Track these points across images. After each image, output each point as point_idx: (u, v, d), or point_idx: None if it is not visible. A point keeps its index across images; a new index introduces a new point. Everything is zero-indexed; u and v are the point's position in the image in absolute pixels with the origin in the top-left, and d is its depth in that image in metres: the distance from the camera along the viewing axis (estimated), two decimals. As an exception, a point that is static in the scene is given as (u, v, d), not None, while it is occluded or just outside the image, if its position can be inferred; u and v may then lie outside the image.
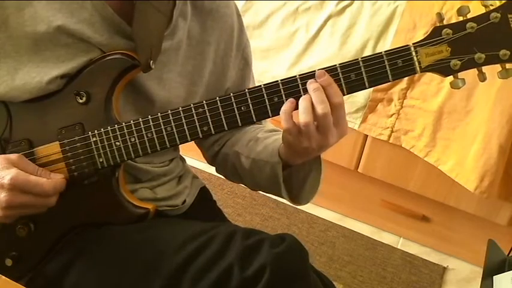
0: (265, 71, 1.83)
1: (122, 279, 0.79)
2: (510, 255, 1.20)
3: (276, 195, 0.92)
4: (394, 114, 1.72)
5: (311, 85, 0.77)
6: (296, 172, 0.89)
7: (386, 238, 1.96)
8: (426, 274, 1.82)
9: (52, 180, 0.77)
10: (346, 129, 0.80)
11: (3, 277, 0.68)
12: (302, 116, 0.76)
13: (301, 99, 0.77)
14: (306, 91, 0.78)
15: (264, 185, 0.92)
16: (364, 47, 1.71)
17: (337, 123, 0.78)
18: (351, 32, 1.72)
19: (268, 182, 0.90)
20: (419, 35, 1.62)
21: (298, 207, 2.02)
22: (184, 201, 0.97)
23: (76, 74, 0.81)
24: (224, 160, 0.99)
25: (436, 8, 1.62)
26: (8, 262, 0.83)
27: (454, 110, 1.63)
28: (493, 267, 1.11)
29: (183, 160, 1.03)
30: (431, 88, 1.64)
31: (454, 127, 1.65)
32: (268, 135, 0.94)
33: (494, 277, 1.08)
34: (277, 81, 0.79)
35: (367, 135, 1.82)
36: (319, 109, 0.76)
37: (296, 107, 0.78)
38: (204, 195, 1.05)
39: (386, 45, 1.68)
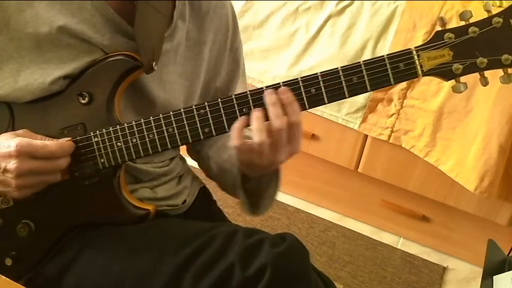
0: (265, 71, 1.84)
1: (122, 279, 0.79)
2: (510, 255, 1.20)
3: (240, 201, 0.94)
4: (394, 114, 1.72)
5: (270, 98, 0.76)
6: (256, 186, 0.89)
7: (386, 238, 1.96)
8: (426, 274, 1.82)
9: (59, 142, 0.77)
10: (298, 148, 0.79)
11: (3, 277, 0.68)
12: (257, 135, 0.75)
13: (253, 117, 0.76)
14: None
15: (229, 191, 0.95)
16: (364, 47, 1.71)
17: (291, 141, 0.77)
18: (351, 32, 1.72)
19: (232, 189, 0.92)
20: (420, 35, 1.62)
21: (298, 207, 2.02)
22: (185, 201, 0.97)
23: (78, 75, 0.81)
24: (202, 160, 1.01)
25: (436, 8, 1.62)
26: (8, 262, 0.83)
27: (454, 110, 1.63)
28: (493, 267, 1.11)
29: (183, 160, 1.03)
30: (431, 88, 1.64)
31: (454, 127, 1.65)
32: None
33: (494, 277, 1.08)
34: (279, 83, 0.79)
35: (367, 135, 1.82)
36: (276, 123, 0.75)
37: (248, 124, 0.77)
38: (204, 195, 1.06)
39: (386, 45, 1.69)
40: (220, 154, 0.96)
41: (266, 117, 0.76)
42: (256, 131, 0.76)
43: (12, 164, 0.72)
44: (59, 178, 0.78)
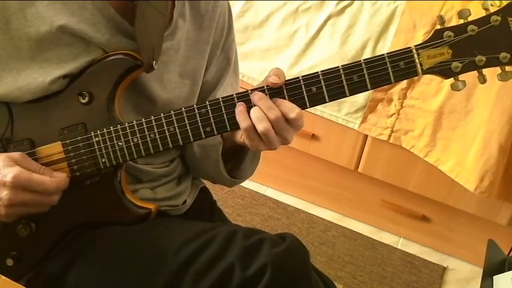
0: (265, 71, 1.83)
1: (122, 279, 0.79)
2: (510, 255, 1.20)
3: (217, 179, 0.96)
4: (394, 114, 1.72)
5: (255, 96, 0.78)
6: (238, 151, 0.91)
7: (386, 238, 1.96)
8: (426, 274, 1.82)
9: (55, 179, 0.76)
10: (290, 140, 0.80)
11: (3, 277, 0.68)
12: (260, 126, 0.76)
13: (252, 111, 0.77)
14: None
15: (211, 171, 0.95)
16: (364, 47, 1.71)
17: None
18: (351, 32, 1.72)
19: (214, 166, 0.93)
20: (419, 35, 1.62)
21: (298, 207, 2.02)
22: (185, 201, 0.97)
23: (78, 74, 0.81)
24: (184, 151, 1.00)
25: (436, 8, 1.62)
26: (9, 262, 0.83)
27: (454, 110, 1.63)
28: (493, 267, 1.11)
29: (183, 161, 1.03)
30: (431, 88, 1.64)
31: (454, 127, 1.65)
32: None
33: (494, 277, 1.08)
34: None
35: (367, 135, 1.82)
36: (271, 114, 0.76)
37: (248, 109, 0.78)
38: (204, 195, 1.06)
39: (386, 45, 1.69)
40: None
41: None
42: (257, 122, 0.77)
43: (5, 194, 0.72)
44: (47, 209, 0.78)
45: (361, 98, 1.73)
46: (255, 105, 0.78)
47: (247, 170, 0.96)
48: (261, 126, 0.76)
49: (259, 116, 0.77)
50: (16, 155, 0.76)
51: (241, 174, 0.95)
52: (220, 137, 0.89)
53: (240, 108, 0.78)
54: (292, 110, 0.77)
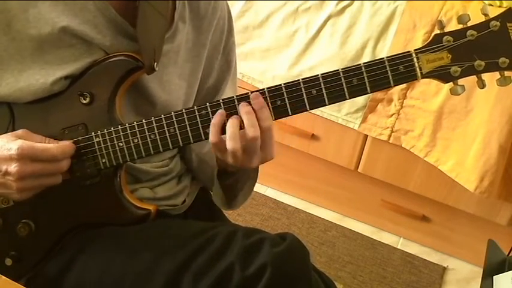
0: (265, 71, 1.84)
1: (122, 278, 0.79)
2: (510, 255, 1.20)
3: (213, 194, 0.95)
4: (394, 114, 1.72)
5: (243, 108, 0.77)
6: (233, 182, 0.90)
7: (386, 238, 1.96)
8: (426, 274, 1.82)
9: (60, 145, 0.77)
10: (272, 154, 0.80)
11: (3, 277, 0.68)
12: (230, 143, 0.76)
13: (228, 124, 0.77)
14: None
15: (207, 184, 0.96)
16: (364, 47, 1.71)
17: (264, 147, 0.78)
18: (351, 32, 1.72)
19: (209, 182, 0.93)
20: (419, 35, 1.62)
21: (298, 207, 2.02)
22: (184, 200, 0.97)
23: (80, 75, 0.82)
24: (184, 150, 1.00)
25: (436, 8, 1.62)
26: (8, 262, 0.83)
27: (454, 110, 1.63)
28: (493, 267, 1.11)
29: (182, 159, 1.03)
30: (431, 88, 1.64)
31: (454, 127, 1.65)
32: None
33: (494, 277, 1.08)
34: (280, 84, 0.79)
35: (367, 135, 1.82)
36: (250, 132, 0.76)
37: (225, 121, 0.78)
38: (204, 195, 1.05)
39: (386, 45, 1.69)
40: (201, 146, 0.96)
41: (241, 126, 0.77)
42: (229, 139, 0.76)
43: (13, 167, 0.72)
44: (60, 180, 0.78)
45: (361, 98, 1.72)
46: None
47: (241, 196, 0.95)
48: (230, 144, 0.76)
49: (232, 133, 0.76)
50: (19, 131, 0.77)
51: (235, 198, 0.95)
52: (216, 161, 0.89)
53: (216, 119, 0.78)
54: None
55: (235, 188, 0.92)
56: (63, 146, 0.77)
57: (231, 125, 0.77)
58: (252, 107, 0.77)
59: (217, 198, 0.95)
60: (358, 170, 1.88)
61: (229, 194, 0.93)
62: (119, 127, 0.81)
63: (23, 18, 0.78)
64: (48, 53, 0.80)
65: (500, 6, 1.55)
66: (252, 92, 0.79)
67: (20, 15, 0.78)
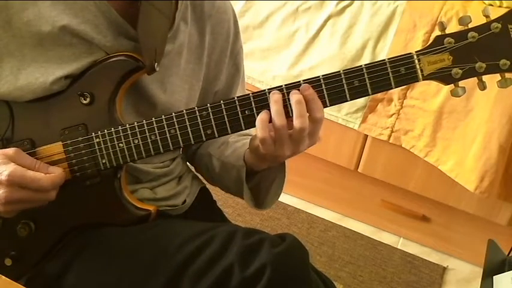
0: (265, 71, 1.83)
1: (122, 279, 0.79)
2: (510, 255, 1.20)
3: (242, 198, 0.93)
4: (394, 114, 1.72)
5: (294, 96, 0.77)
6: (264, 179, 0.90)
7: (386, 238, 1.96)
8: (426, 274, 1.82)
9: (50, 176, 0.76)
10: (317, 140, 0.81)
11: (3, 277, 0.68)
12: (277, 119, 0.76)
13: (272, 101, 0.77)
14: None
15: (232, 187, 0.94)
16: (364, 47, 1.71)
17: (311, 136, 0.79)
18: (351, 32, 1.72)
19: (235, 185, 0.92)
20: (420, 35, 1.62)
21: (298, 207, 2.02)
22: (185, 201, 0.97)
23: (80, 75, 0.81)
24: (199, 160, 1.01)
25: (436, 8, 1.62)
26: (8, 262, 0.83)
27: (454, 110, 1.63)
28: (493, 267, 1.11)
29: (183, 160, 1.03)
30: (431, 88, 1.64)
31: (454, 127, 1.65)
32: (238, 138, 0.97)
33: (494, 277, 1.08)
34: (281, 85, 0.79)
35: (367, 135, 1.82)
36: (297, 123, 0.76)
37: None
38: (204, 195, 1.06)
39: (386, 45, 1.69)
40: (222, 150, 0.96)
41: (270, 119, 0.77)
42: (275, 116, 0.76)
43: (2, 192, 0.72)
44: (46, 203, 0.77)
45: (361, 98, 1.73)
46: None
47: (272, 197, 0.93)
48: (277, 121, 0.76)
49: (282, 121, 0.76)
50: (10, 151, 0.75)
51: (264, 198, 0.93)
52: (243, 160, 0.88)
53: (263, 115, 0.77)
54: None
55: (262, 188, 0.91)
56: (53, 177, 0.75)
57: (275, 102, 0.77)
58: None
59: (247, 198, 0.92)
60: (358, 170, 1.87)
61: (257, 194, 0.92)
62: (119, 128, 0.81)
63: (23, 16, 0.78)
64: (48, 52, 0.80)
65: (500, 6, 1.55)
66: (253, 93, 0.79)
67: (20, 14, 0.78)
